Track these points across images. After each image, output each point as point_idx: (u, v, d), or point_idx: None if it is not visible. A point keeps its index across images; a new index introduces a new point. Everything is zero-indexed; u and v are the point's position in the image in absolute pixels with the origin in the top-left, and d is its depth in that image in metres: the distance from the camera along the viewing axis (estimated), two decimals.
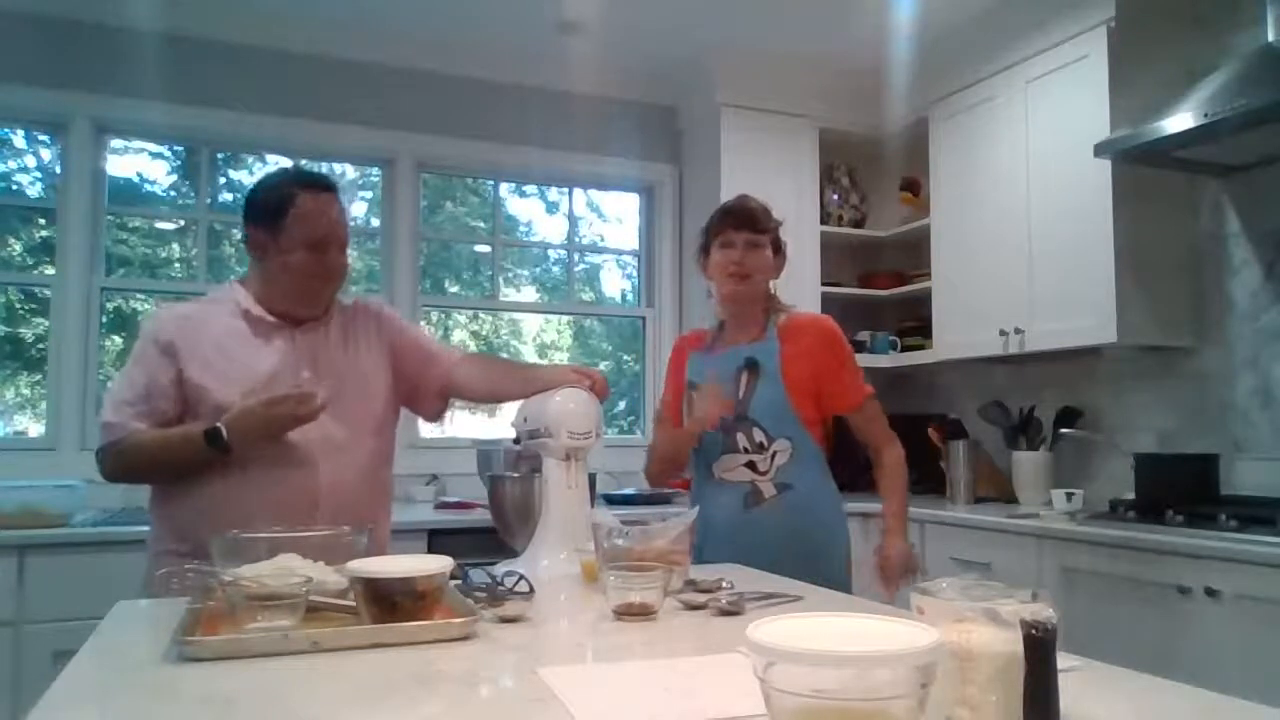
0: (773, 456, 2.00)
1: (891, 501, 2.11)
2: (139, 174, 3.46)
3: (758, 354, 2.03)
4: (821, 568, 1.87)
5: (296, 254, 1.76)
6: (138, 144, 3.42)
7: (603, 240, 4.18)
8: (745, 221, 2.06)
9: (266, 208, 1.77)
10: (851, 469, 2.49)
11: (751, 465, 2.01)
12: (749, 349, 2.06)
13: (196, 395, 1.72)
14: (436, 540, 2.78)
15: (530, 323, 4.08)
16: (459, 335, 3.94)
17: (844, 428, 2.15)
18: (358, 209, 3.70)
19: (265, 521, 1.48)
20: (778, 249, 2.12)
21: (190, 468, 1.68)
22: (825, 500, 2.06)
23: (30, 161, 3.35)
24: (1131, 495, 2.66)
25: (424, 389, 1.98)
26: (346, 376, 1.84)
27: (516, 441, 1.88)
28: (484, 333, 4.00)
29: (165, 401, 1.72)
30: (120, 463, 1.74)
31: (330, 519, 1.65)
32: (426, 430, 3.46)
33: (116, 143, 3.36)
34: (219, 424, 1.64)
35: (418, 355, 1.98)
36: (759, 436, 2.00)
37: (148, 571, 1.72)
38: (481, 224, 3.98)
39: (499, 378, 2.01)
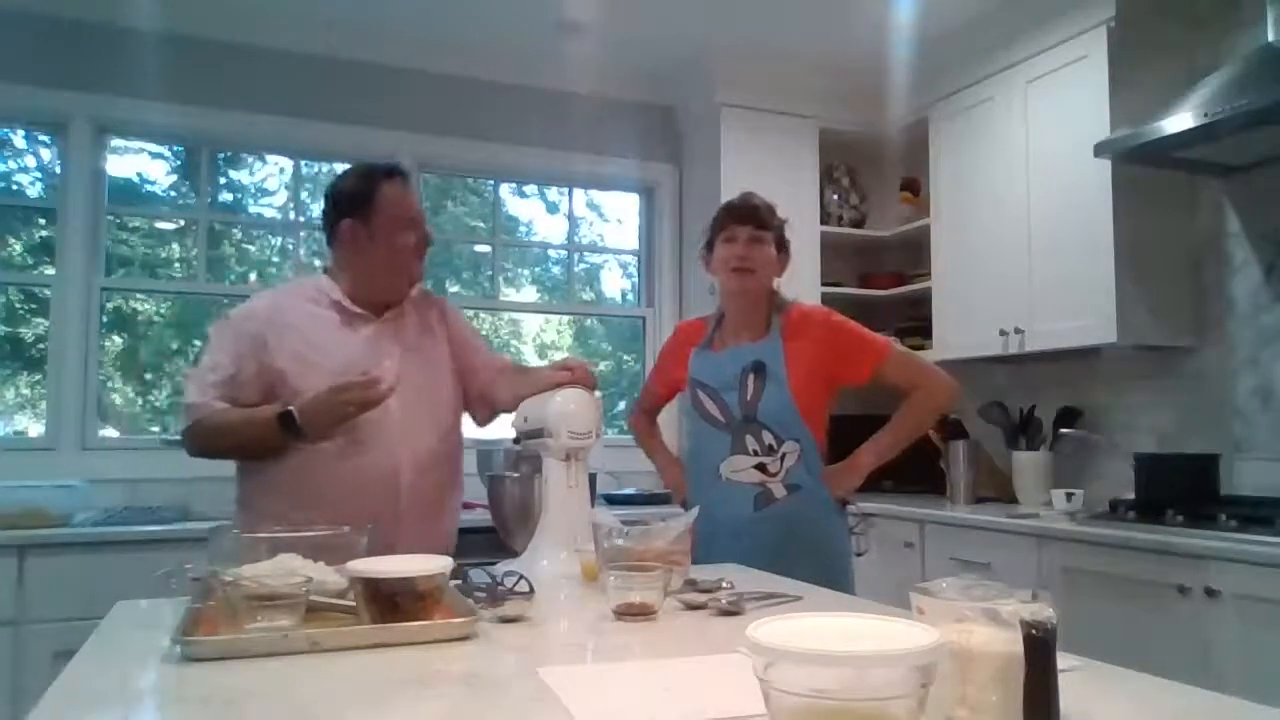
0: (782, 458, 2.01)
1: (889, 425, 2.10)
2: (139, 174, 3.46)
3: (762, 355, 2.03)
4: (828, 565, 1.94)
5: (395, 234, 1.84)
6: (138, 144, 3.42)
7: (603, 240, 4.17)
8: (748, 217, 2.07)
9: (356, 200, 1.85)
10: None
11: (761, 467, 2.01)
12: (753, 349, 2.06)
13: (286, 385, 1.75)
14: None
15: (530, 323, 4.08)
16: None
17: (841, 429, 2.15)
18: None
19: (350, 505, 1.59)
20: (782, 246, 2.12)
21: (272, 449, 1.72)
22: (829, 500, 2.06)
23: (30, 161, 3.35)
24: (1131, 495, 2.66)
25: (468, 391, 2.00)
26: (428, 363, 1.90)
27: (516, 441, 1.88)
28: (484, 332, 3.99)
29: (247, 390, 1.77)
30: (205, 440, 1.79)
31: (410, 504, 1.75)
32: None
33: (116, 143, 3.36)
34: (291, 407, 1.69)
35: (470, 357, 2.00)
36: (768, 439, 2.01)
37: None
38: (481, 224, 3.97)
39: (501, 385, 2.01)
